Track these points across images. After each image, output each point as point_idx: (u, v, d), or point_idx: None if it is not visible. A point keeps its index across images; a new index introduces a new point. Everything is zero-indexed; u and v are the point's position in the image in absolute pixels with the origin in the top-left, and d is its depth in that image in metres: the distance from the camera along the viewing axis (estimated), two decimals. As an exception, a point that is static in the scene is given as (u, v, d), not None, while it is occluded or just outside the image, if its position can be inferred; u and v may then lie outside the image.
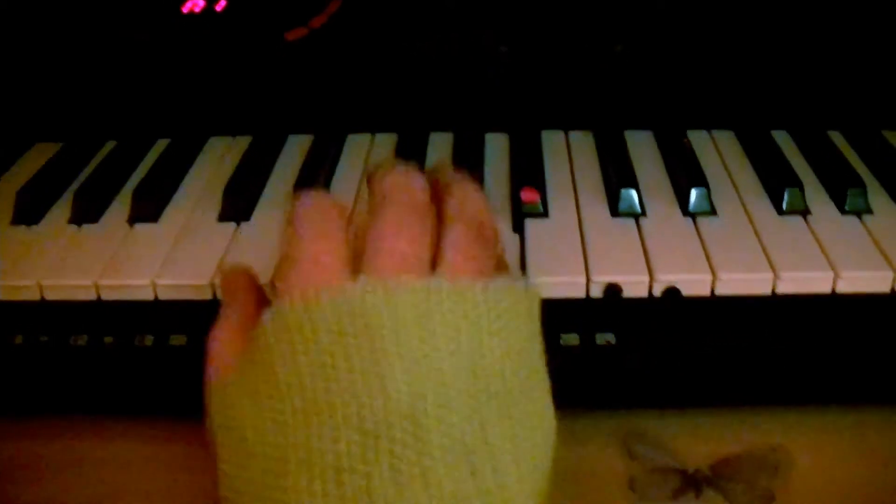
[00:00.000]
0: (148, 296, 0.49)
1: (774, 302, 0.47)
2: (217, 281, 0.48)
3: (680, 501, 0.43)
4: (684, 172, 0.56)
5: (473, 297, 0.33)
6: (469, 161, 0.59)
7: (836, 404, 0.47)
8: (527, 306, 0.36)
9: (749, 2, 0.62)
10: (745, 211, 0.53)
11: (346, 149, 0.63)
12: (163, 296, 0.49)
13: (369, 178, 0.40)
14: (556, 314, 0.41)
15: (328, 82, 0.65)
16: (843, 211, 0.53)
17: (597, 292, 0.47)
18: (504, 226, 0.53)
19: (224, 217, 0.55)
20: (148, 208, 0.55)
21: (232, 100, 0.66)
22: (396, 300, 0.32)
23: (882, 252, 0.49)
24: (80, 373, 0.47)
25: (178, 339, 0.46)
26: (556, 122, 0.64)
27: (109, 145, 0.65)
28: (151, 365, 0.46)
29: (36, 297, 0.49)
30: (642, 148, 0.61)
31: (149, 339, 0.46)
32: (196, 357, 0.45)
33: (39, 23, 0.65)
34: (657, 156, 0.60)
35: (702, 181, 0.54)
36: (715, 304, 0.47)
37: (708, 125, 0.64)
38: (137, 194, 0.56)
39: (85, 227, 0.55)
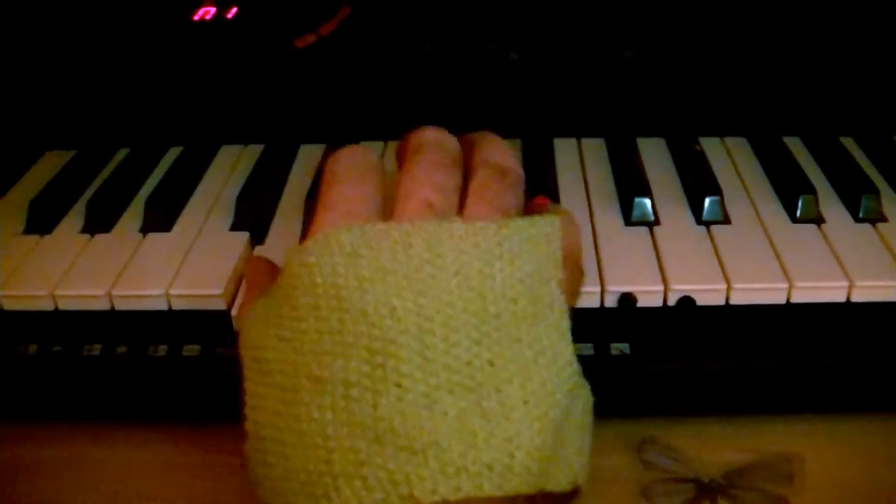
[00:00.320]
0: (161, 306, 0.49)
1: (788, 310, 0.47)
2: (230, 288, 0.49)
3: (694, 511, 0.43)
4: (697, 180, 0.56)
5: (487, 230, 0.35)
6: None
7: (851, 412, 0.46)
8: (547, 235, 0.36)
9: (761, 7, 0.61)
10: (759, 219, 0.53)
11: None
12: (176, 306, 0.49)
13: (402, 142, 0.42)
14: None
15: (339, 89, 0.65)
16: (857, 218, 0.53)
17: (611, 302, 0.47)
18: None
19: (237, 226, 0.55)
20: (160, 218, 0.55)
21: (243, 108, 0.66)
22: (409, 232, 0.34)
23: (897, 260, 0.49)
24: (94, 383, 0.47)
25: (191, 349, 0.46)
26: (568, 129, 0.64)
27: (121, 153, 0.65)
28: (165, 375, 0.46)
29: (49, 307, 0.49)
30: (655, 155, 0.61)
31: (162, 349, 0.46)
32: (209, 367, 0.45)
33: (51, 31, 0.65)
34: (670, 163, 0.60)
35: (715, 189, 0.54)
36: (729, 313, 0.47)
37: (720, 132, 0.63)
38: (150, 204, 0.56)
39: (98, 236, 0.55)
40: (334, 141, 0.64)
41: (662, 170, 0.59)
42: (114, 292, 0.49)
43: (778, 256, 0.49)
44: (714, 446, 0.46)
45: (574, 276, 0.38)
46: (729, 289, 0.47)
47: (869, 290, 0.47)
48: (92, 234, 0.55)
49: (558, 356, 0.35)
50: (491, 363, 0.33)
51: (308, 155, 0.63)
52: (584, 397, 0.36)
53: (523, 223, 0.36)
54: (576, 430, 0.34)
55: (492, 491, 0.31)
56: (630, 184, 0.56)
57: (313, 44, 0.64)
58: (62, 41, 0.65)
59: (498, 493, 0.31)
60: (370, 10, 0.64)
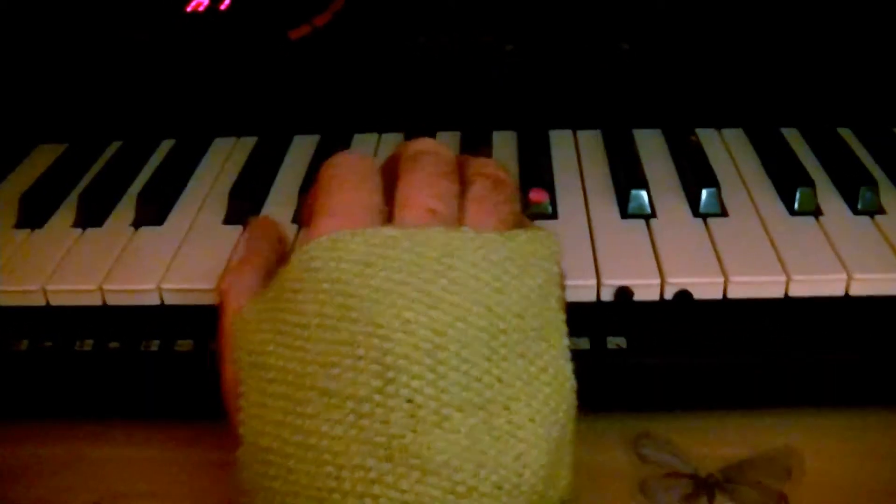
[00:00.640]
0: (154, 300, 0.48)
1: (786, 304, 0.47)
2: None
3: (692, 506, 0.43)
4: (694, 172, 0.56)
5: (495, 242, 0.34)
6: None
7: (850, 406, 0.46)
8: (548, 252, 0.36)
9: (758, -1, 0.61)
10: (756, 211, 0.53)
11: (352, 148, 0.62)
12: (168, 300, 0.48)
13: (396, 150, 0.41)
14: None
15: (333, 81, 0.65)
16: (855, 211, 0.53)
17: (607, 296, 0.47)
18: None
19: (230, 220, 0.54)
20: (153, 211, 0.55)
21: (236, 100, 0.66)
22: (421, 241, 0.33)
23: (896, 253, 0.48)
24: (86, 378, 0.47)
25: (184, 345, 0.46)
26: (564, 121, 0.64)
27: (114, 146, 0.64)
28: (157, 370, 0.46)
29: (41, 302, 0.49)
30: (651, 147, 0.60)
31: (154, 344, 0.46)
32: (202, 362, 0.45)
33: (42, 23, 0.64)
34: (666, 155, 0.59)
35: (712, 181, 0.54)
36: (726, 307, 0.47)
37: (717, 123, 0.63)
38: (142, 197, 0.56)
39: (89, 230, 0.54)
40: (328, 133, 0.63)
41: (659, 162, 0.59)
42: (105, 287, 0.48)
43: (776, 249, 0.49)
44: (711, 441, 0.45)
45: (507, 196, 0.38)
46: (726, 282, 0.47)
47: (867, 284, 0.47)
48: (84, 228, 0.55)
49: (559, 374, 0.34)
50: (499, 380, 0.32)
51: (302, 146, 0.63)
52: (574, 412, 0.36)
53: (526, 237, 0.35)
54: (567, 446, 0.34)
55: None
56: (626, 176, 0.55)
57: (307, 35, 0.64)
58: (54, 33, 0.64)
59: None
60: (365, 2, 0.63)
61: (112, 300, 0.49)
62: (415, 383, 0.31)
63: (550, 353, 0.34)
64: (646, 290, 0.47)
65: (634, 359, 0.45)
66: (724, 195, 0.53)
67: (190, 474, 0.45)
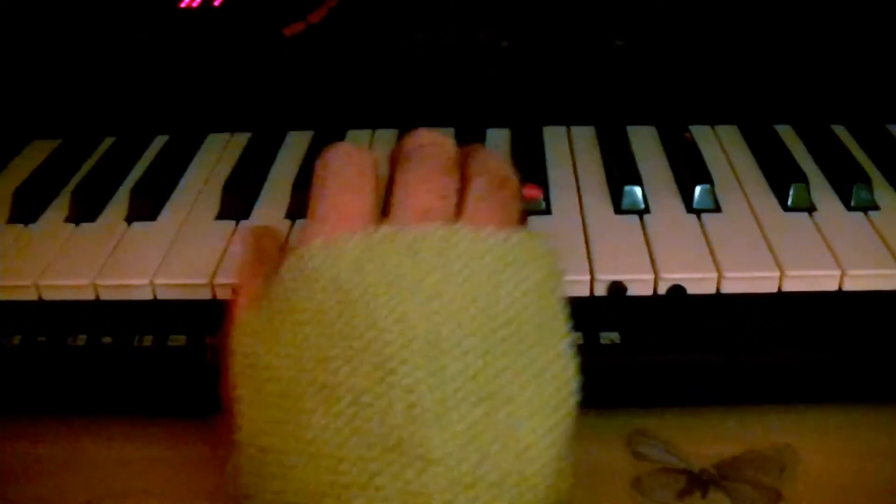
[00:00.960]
0: (146, 295, 0.48)
1: (780, 300, 0.47)
2: (216, 281, 0.48)
3: (686, 502, 0.43)
4: (688, 168, 0.56)
5: (493, 242, 0.34)
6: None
7: (843, 403, 0.46)
8: (547, 254, 0.36)
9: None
10: (750, 207, 0.53)
11: (346, 145, 0.62)
12: (161, 295, 0.48)
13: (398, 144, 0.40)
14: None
15: (327, 78, 0.65)
16: (848, 207, 0.53)
17: (601, 291, 0.47)
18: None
19: (223, 215, 0.54)
20: (146, 207, 0.55)
21: (230, 96, 0.66)
22: (417, 241, 0.33)
23: (889, 249, 0.48)
24: (79, 373, 0.46)
25: (177, 340, 0.46)
26: (558, 117, 0.64)
27: (107, 142, 0.64)
28: (151, 365, 0.46)
29: (33, 297, 0.49)
30: (645, 143, 0.60)
31: (148, 340, 0.46)
32: (196, 357, 0.45)
33: (36, 19, 0.64)
34: (660, 151, 0.60)
35: (706, 177, 0.54)
36: (720, 303, 0.47)
37: (711, 120, 0.63)
38: (135, 193, 0.56)
39: (82, 225, 0.54)
40: (322, 129, 0.63)
41: (653, 158, 0.59)
42: (98, 282, 0.48)
43: (769, 245, 0.49)
44: (706, 437, 0.45)
45: (509, 194, 0.38)
46: (720, 277, 0.47)
47: (861, 280, 0.47)
48: (77, 224, 0.54)
49: (563, 371, 0.34)
50: (499, 375, 0.32)
51: (295, 142, 0.63)
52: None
53: (525, 235, 0.35)
54: (569, 445, 0.34)
55: None
56: (620, 172, 0.55)
57: (302, 31, 0.64)
58: (48, 30, 0.64)
59: None
60: (358, -2, 0.63)
61: (105, 295, 0.49)
62: (414, 375, 0.31)
63: (552, 350, 0.34)
64: (639, 285, 0.47)
65: (628, 354, 0.45)
66: (717, 191, 0.53)
67: (186, 472, 0.45)
